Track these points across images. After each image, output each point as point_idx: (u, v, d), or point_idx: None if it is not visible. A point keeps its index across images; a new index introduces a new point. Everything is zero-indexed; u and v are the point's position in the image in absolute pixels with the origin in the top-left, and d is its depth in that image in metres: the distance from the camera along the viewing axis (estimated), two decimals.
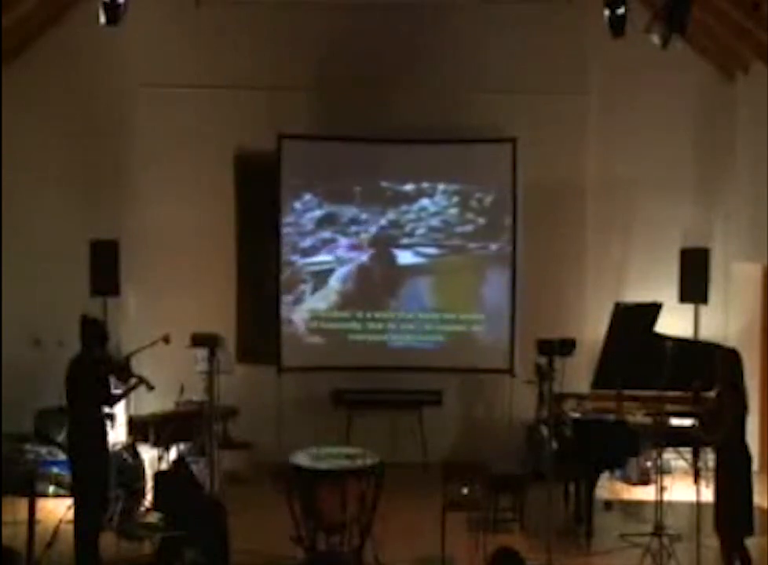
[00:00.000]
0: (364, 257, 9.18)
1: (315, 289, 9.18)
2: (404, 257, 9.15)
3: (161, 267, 9.18)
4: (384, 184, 9.15)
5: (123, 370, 6.78)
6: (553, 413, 6.61)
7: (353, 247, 9.17)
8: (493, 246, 9.11)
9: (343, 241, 9.15)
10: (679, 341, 7.36)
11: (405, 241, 9.14)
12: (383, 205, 9.14)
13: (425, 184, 9.14)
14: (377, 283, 9.22)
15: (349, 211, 9.14)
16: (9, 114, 8.82)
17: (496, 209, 9.10)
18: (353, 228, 9.14)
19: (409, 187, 9.14)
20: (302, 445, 6.71)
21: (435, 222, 9.15)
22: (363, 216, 9.14)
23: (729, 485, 5.77)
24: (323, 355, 9.17)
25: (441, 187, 9.14)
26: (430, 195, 9.14)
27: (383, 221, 9.14)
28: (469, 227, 9.13)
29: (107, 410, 6.59)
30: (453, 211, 9.15)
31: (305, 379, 9.13)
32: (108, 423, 6.66)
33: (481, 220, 9.13)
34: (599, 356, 7.53)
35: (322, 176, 9.14)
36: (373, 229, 9.15)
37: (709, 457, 7.40)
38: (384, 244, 9.16)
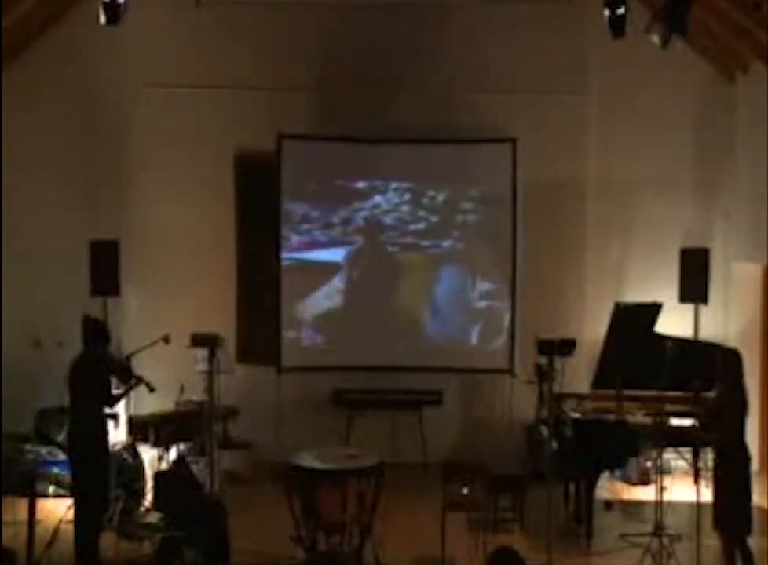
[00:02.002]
0: (364, 256, 9.18)
1: (315, 289, 9.17)
2: (404, 254, 9.17)
3: (161, 267, 9.18)
4: (381, 184, 9.15)
5: (125, 371, 6.79)
6: (553, 413, 6.61)
7: (354, 246, 9.18)
8: (494, 246, 9.14)
9: (344, 240, 9.16)
10: (679, 341, 7.36)
11: (398, 238, 9.16)
12: (380, 204, 9.14)
13: (423, 184, 9.13)
14: (378, 282, 9.21)
15: (346, 211, 9.13)
16: (9, 114, 8.82)
17: (496, 209, 9.11)
18: (353, 227, 9.15)
19: (408, 186, 9.14)
20: (302, 445, 6.71)
21: (432, 219, 9.15)
22: (361, 215, 9.14)
23: (728, 484, 5.78)
24: (323, 355, 9.17)
25: (439, 187, 9.13)
26: (427, 194, 9.14)
27: (382, 220, 9.14)
28: (466, 226, 9.15)
29: (109, 410, 6.58)
30: (453, 210, 9.17)
31: (305, 379, 9.13)
32: (112, 423, 6.66)
33: (481, 219, 9.14)
34: (599, 356, 7.53)
35: (322, 176, 9.14)
36: (372, 227, 9.15)
37: (709, 457, 7.39)
38: (384, 243, 9.17)
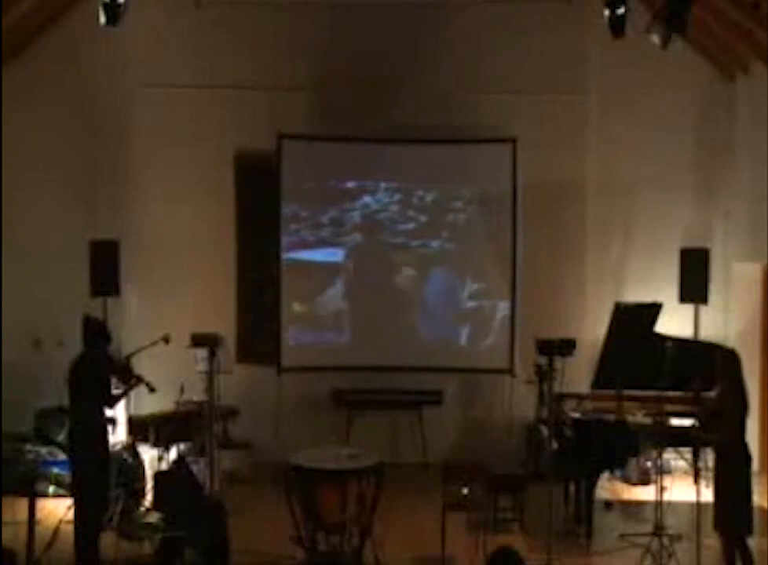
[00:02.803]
0: (364, 256, 9.18)
1: (315, 289, 9.17)
2: (403, 254, 9.18)
3: (161, 267, 9.18)
4: (381, 184, 9.15)
5: (125, 371, 6.78)
6: (553, 413, 6.61)
7: (354, 246, 9.17)
8: (494, 246, 9.14)
9: (343, 240, 9.15)
10: (679, 341, 7.37)
11: (398, 237, 9.17)
12: (379, 204, 9.14)
13: (423, 184, 9.13)
14: (379, 282, 9.20)
15: (346, 211, 9.13)
16: (9, 114, 8.82)
17: (497, 209, 9.10)
18: (353, 227, 9.15)
19: (407, 186, 9.14)
20: (302, 445, 6.73)
21: (432, 219, 9.15)
22: (360, 215, 9.14)
23: (728, 484, 5.77)
24: (323, 355, 9.17)
25: (439, 186, 9.13)
26: (427, 194, 9.15)
27: (381, 220, 9.14)
28: (466, 226, 9.16)
29: (108, 412, 6.58)
30: (453, 210, 9.17)
31: (305, 379, 9.13)
32: (109, 427, 6.65)
33: (481, 218, 9.14)
34: (599, 356, 7.53)
35: (321, 176, 9.14)
36: (372, 227, 9.15)
37: (709, 457, 7.39)
38: (384, 243, 9.16)
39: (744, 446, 5.81)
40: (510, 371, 9.04)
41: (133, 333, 8.46)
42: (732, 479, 5.77)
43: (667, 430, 6.79)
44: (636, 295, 8.65)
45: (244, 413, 8.62)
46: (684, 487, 7.64)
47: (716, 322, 9.05)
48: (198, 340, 7.17)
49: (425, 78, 9.20)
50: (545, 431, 7.05)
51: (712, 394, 6.08)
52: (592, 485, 7.08)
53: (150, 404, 7.94)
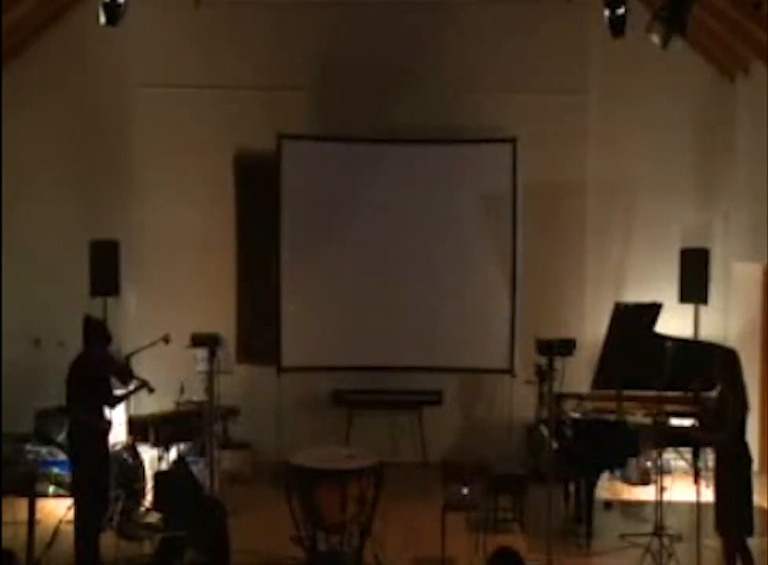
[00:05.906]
0: (363, 256, 9.18)
1: (315, 289, 9.17)
2: (403, 254, 9.17)
3: (161, 267, 9.18)
4: (382, 184, 9.15)
5: (125, 372, 6.78)
6: (553, 413, 6.61)
7: (354, 246, 9.17)
8: (494, 246, 9.14)
9: (343, 239, 9.15)
10: (679, 341, 7.37)
11: (397, 237, 9.16)
12: (379, 204, 9.14)
13: (423, 184, 9.13)
14: (378, 281, 9.20)
15: (346, 211, 9.13)
16: (8, 115, 8.82)
17: (496, 209, 9.10)
18: (353, 227, 9.14)
19: (407, 186, 9.14)
20: (302, 445, 6.75)
21: (432, 218, 9.13)
22: (360, 215, 9.13)
23: (729, 485, 5.77)
24: (323, 355, 9.16)
25: (438, 186, 9.11)
26: (426, 194, 9.15)
27: (381, 220, 9.14)
28: (466, 226, 9.16)
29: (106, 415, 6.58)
30: (453, 210, 9.17)
31: (305, 379, 9.13)
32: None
33: (481, 219, 9.14)
34: (599, 356, 7.53)
35: (321, 176, 9.14)
36: (372, 227, 9.15)
37: (709, 457, 7.40)
38: (383, 243, 9.16)
39: (745, 447, 5.80)
40: (510, 371, 9.04)
41: (133, 333, 8.46)
42: (732, 480, 5.76)
43: (667, 430, 6.79)
44: (636, 295, 8.65)
45: (244, 413, 8.62)
46: (684, 487, 7.65)
47: (716, 322, 9.05)
48: (198, 340, 7.18)
49: (425, 78, 9.20)
50: (545, 431, 7.05)
51: (712, 394, 6.07)
52: (592, 485, 7.08)
53: (150, 404, 7.94)
